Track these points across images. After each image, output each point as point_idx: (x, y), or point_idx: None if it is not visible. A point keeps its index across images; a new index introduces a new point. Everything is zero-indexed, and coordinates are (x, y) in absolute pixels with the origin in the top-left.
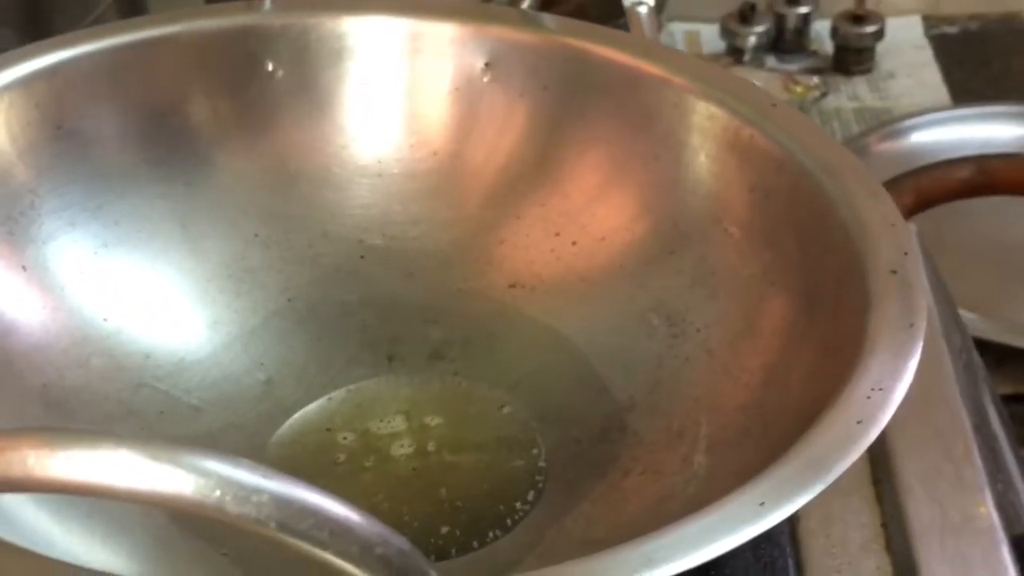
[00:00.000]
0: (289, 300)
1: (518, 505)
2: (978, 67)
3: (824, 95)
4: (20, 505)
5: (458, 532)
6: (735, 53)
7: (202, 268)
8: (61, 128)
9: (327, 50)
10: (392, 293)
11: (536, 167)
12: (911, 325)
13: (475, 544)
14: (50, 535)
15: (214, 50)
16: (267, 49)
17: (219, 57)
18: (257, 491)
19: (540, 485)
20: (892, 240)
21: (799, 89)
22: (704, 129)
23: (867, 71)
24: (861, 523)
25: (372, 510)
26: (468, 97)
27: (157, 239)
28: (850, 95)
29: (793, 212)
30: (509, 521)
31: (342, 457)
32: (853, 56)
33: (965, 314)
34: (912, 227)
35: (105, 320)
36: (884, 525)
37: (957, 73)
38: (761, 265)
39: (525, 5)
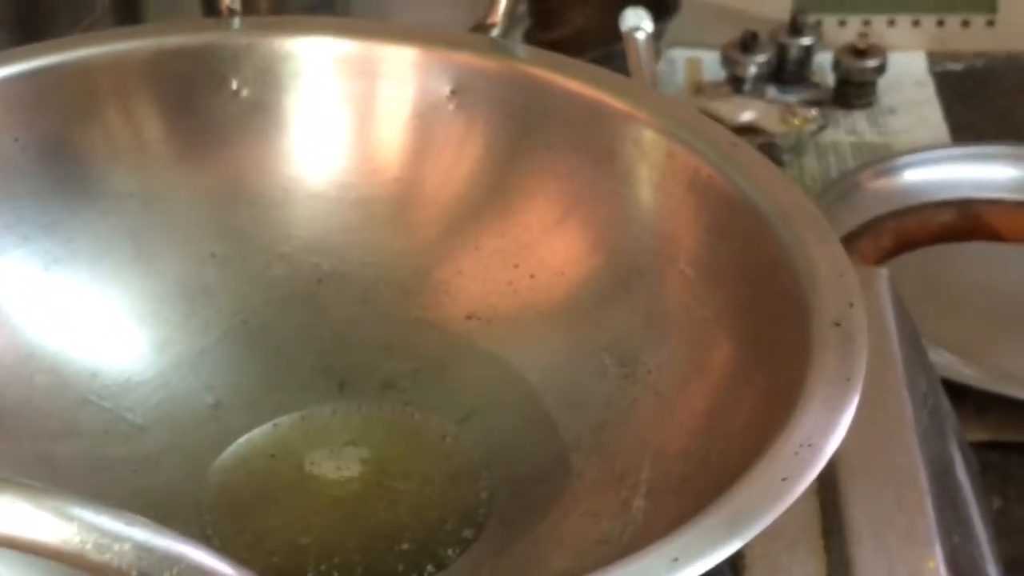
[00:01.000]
0: (243, 322)
1: (459, 538)
2: (981, 105)
3: (822, 128)
4: None
5: (398, 565)
6: (735, 82)
7: (155, 287)
8: (17, 140)
9: (291, 71)
10: (348, 319)
11: (497, 197)
12: (847, 379)
13: None
14: None
15: (178, 66)
16: (232, 67)
17: (182, 74)
18: (119, 539)
19: (481, 521)
20: (840, 291)
21: (797, 121)
22: (663, 167)
23: (868, 105)
24: (807, 574)
25: (312, 539)
26: (430, 124)
27: (110, 256)
28: (849, 129)
29: (746, 255)
30: (451, 552)
31: (284, 484)
32: (854, 90)
33: (946, 357)
34: (883, 272)
35: (52, 337)
36: None
37: (959, 111)
38: (714, 308)
39: (495, 32)
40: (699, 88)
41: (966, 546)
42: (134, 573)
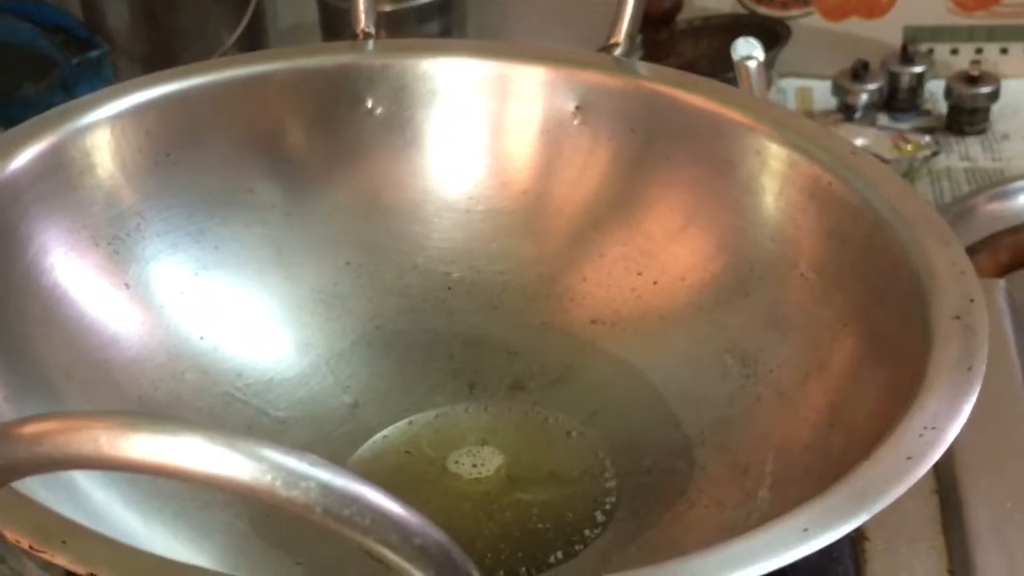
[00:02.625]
0: (377, 327)
1: (587, 532)
2: None
3: (935, 154)
4: (109, 505)
5: (525, 555)
6: (846, 110)
7: (295, 293)
8: (169, 155)
9: (423, 90)
10: (477, 324)
11: (620, 207)
12: (969, 368)
13: (543, 566)
14: (136, 534)
15: (317, 86)
16: (367, 87)
17: (320, 93)
18: (305, 478)
19: (609, 512)
20: (959, 287)
21: (909, 147)
22: (785, 175)
23: (981, 132)
24: (927, 570)
25: (453, 529)
26: (557, 139)
27: (254, 264)
28: (962, 155)
29: (867, 258)
30: (578, 546)
31: (419, 478)
32: (967, 116)
33: None
34: (1001, 283)
35: (201, 338)
36: (951, 572)
37: None
38: (833, 309)
39: (618, 52)
40: (810, 115)
41: None
42: (318, 509)
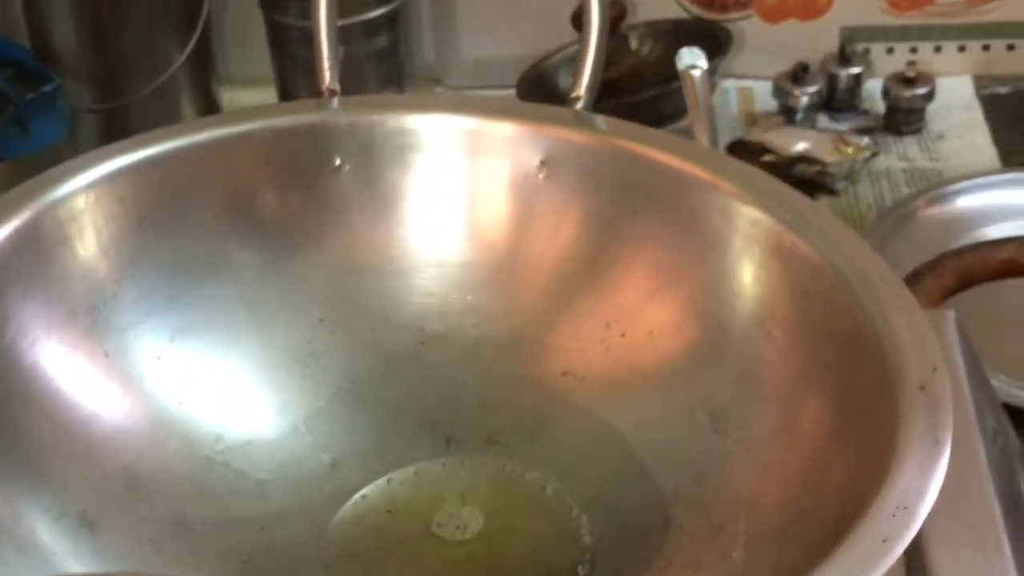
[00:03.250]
0: (352, 383)
1: None
2: None
3: (874, 155)
4: None
5: None
6: (787, 112)
7: (270, 353)
8: (143, 222)
9: (391, 146)
10: (450, 378)
11: (588, 261)
12: (936, 442)
13: None
14: None
15: (285, 146)
16: (335, 145)
17: (290, 153)
18: None
19: (588, 570)
20: (922, 354)
21: (850, 150)
22: (749, 234)
23: (918, 131)
24: None
25: None
26: (524, 193)
27: (229, 325)
28: (900, 155)
29: (830, 318)
30: None
31: (402, 539)
32: (904, 117)
33: (1010, 382)
34: (951, 314)
35: (180, 403)
36: None
37: (1007, 133)
38: (799, 366)
39: (579, 106)
40: (752, 119)
41: None
42: None
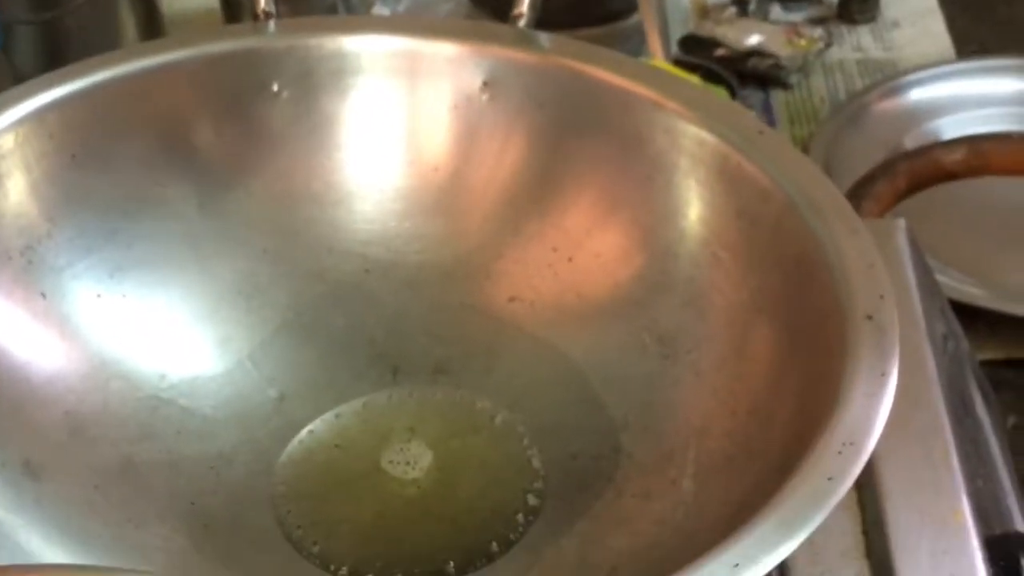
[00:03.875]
0: (297, 315)
1: (519, 518)
2: (983, 14)
3: (828, 47)
4: (49, 546)
5: (460, 551)
6: (740, 3)
7: (212, 286)
8: (75, 157)
9: (329, 70)
10: (396, 307)
11: (533, 183)
12: (883, 374)
13: (482, 558)
14: None
15: (221, 73)
16: (272, 71)
17: (226, 80)
18: None
19: (540, 497)
20: (870, 283)
21: (803, 42)
22: (694, 154)
23: (871, 20)
24: (842, 530)
25: (384, 524)
26: (467, 115)
27: (169, 261)
28: (854, 46)
29: (777, 242)
30: (511, 536)
31: (351, 476)
32: (857, 5)
33: (961, 279)
34: (901, 222)
35: (121, 343)
36: (865, 532)
37: (962, 21)
38: (748, 291)
39: (522, 23)
40: (704, 11)
41: (989, 486)
42: None
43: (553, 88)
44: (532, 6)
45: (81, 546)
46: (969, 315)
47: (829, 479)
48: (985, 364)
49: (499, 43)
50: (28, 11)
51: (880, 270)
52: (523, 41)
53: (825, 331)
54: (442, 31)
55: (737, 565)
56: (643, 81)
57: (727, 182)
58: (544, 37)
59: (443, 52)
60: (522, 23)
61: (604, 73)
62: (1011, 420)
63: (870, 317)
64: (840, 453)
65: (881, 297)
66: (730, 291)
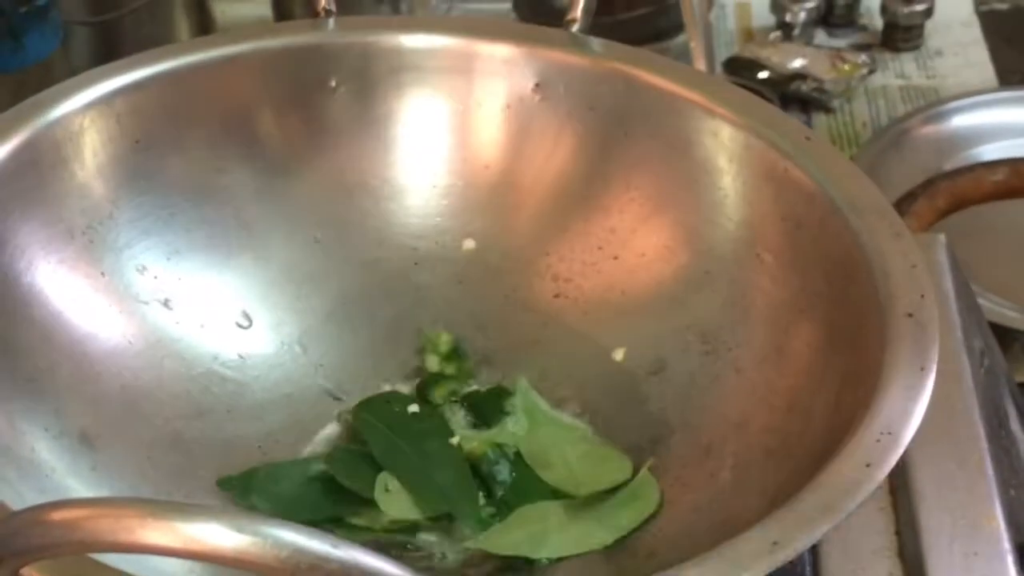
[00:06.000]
0: (346, 303)
1: None
2: None
3: (871, 72)
4: None
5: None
6: (785, 27)
7: (266, 272)
8: (139, 142)
9: (386, 68)
10: (443, 299)
11: (582, 184)
12: (922, 369)
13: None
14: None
15: (281, 67)
16: (330, 66)
17: (286, 74)
18: (327, 559)
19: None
20: (912, 282)
21: (847, 67)
22: (741, 158)
23: (915, 48)
24: (876, 530)
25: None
26: (519, 115)
27: (225, 245)
28: (897, 72)
29: (821, 245)
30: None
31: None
32: (902, 33)
33: (1000, 302)
34: (941, 238)
35: (177, 323)
36: (898, 532)
37: (1005, 51)
38: (790, 292)
39: (575, 28)
40: (749, 34)
41: (1021, 496)
42: None
43: (604, 91)
44: (586, 11)
45: None
46: (1007, 337)
47: (868, 466)
48: (1021, 385)
49: (552, 46)
50: (87, 13)
51: (922, 271)
52: (576, 45)
53: (865, 328)
54: (498, 32)
55: (776, 543)
56: (692, 86)
57: (773, 186)
58: (596, 42)
59: (498, 53)
60: (575, 28)
61: (654, 78)
62: None
63: (910, 315)
64: (879, 441)
65: (922, 296)
66: (773, 291)
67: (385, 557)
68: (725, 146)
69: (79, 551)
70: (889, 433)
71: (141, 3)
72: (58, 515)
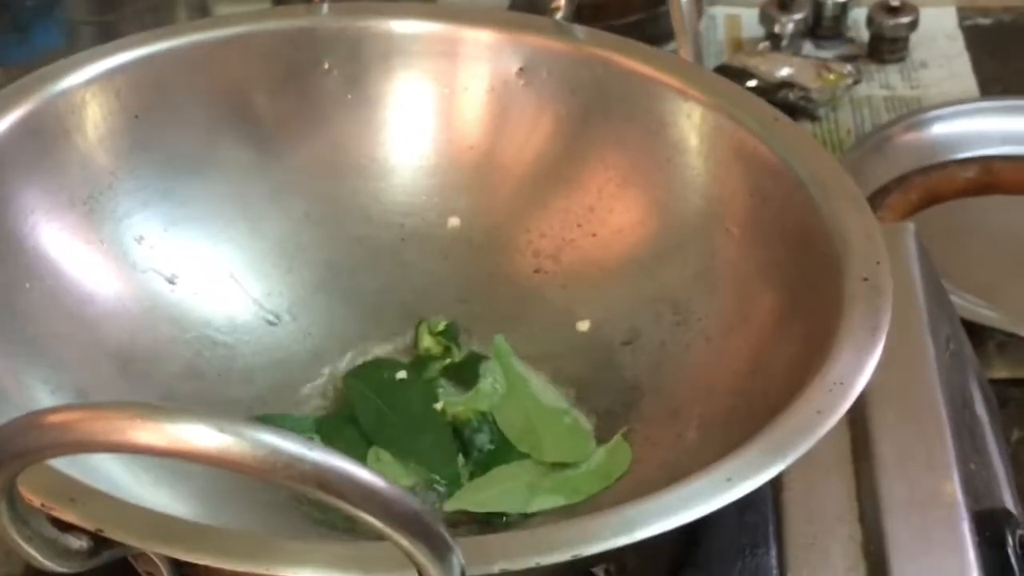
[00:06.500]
0: (335, 275)
1: None
2: (1009, 59)
3: (856, 82)
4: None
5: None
6: (773, 38)
7: (258, 244)
8: (138, 117)
9: (376, 52)
10: (428, 274)
11: (562, 164)
12: (874, 328)
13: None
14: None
15: (276, 49)
16: (324, 49)
17: (281, 56)
18: (302, 460)
19: None
20: (868, 250)
21: (832, 77)
22: (712, 138)
23: (900, 60)
24: (838, 495)
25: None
26: (502, 98)
27: (219, 218)
28: (882, 83)
29: (786, 217)
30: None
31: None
32: (887, 45)
33: (972, 300)
34: (910, 226)
35: (172, 291)
36: (859, 499)
37: (988, 64)
38: (756, 263)
39: (559, 15)
40: (738, 45)
41: (981, 472)
42: (313, 485)
43: (585, 74)
44: (569, 0)
45: (125, 465)
46: (982, 335)
47: (818, 412)
48: (993, 382)
49: (536, 32)
50: (91, 12)
51: (878, 240)
52: (559, 31)
53: (825, 293)
54: (483, 19)
55: (729, 479)
56: (669, 71)
57: (742, 164)
58: (578, 29)
59: (483, 38)
60: (559, 15)
61: (632, 63)
62: (1016, 434)
63: (866, 279)
64: (830, 392)
65: (877, 263)
66: (740, 263)
67: (354, 461)
68: (697, 126)
69: (73, 452)
70: (840, 384)
71: (143, 4)
72: (54, 418)
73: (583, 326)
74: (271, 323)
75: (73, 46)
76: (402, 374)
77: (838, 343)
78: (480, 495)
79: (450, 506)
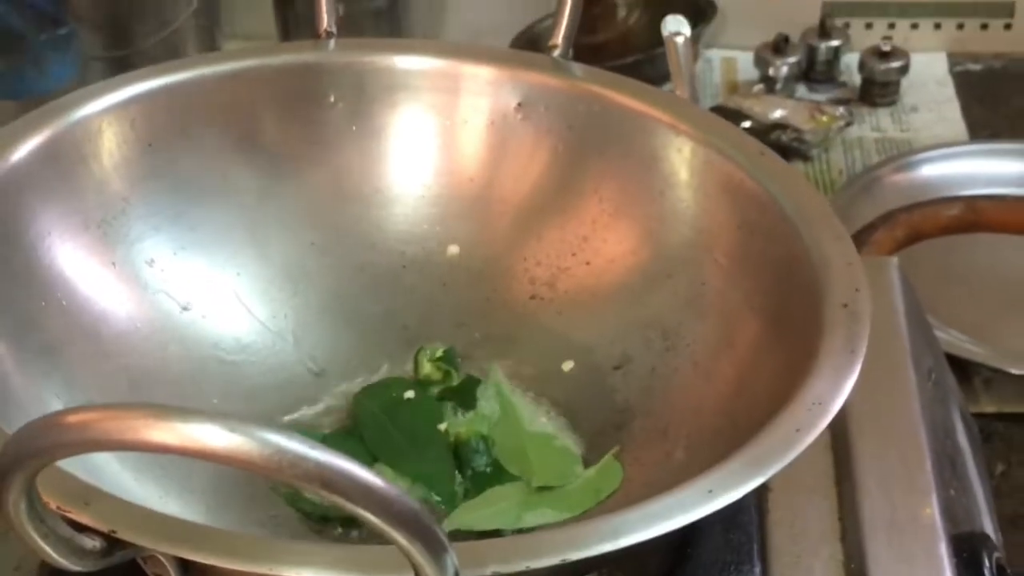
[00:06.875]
0: (339, 301)
1: None
2: (997, 104)
3: (848, 124)
4: (107, 463)
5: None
6: (767, 81)
7: (265, 270)
8: (152, 145)
9: (380, 86)
10: (428, 299)
11: (558, 195)
12: (852, 351)
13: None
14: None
15: (284, 82)
16: (330, 83)
17: (288, 89)
18: (306, 459)
19: None
20: (848, 278)
21: (824, 118)
22: (702, 171)
23: (891, 103)
24: (821, 516)
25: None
26: (502, 132)
27: (228, 243)
28: (873, 126)
29: (771, 248)
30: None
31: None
32: (879, 89)
33: (957, 337)
34: (893, 260)
35: (181, 312)
36: (841, 519)
37: (977, 109)
38: (742, 291)
39: (556, 54)
40: (734, 87)
41: (961, 498)
42: (317, 484)
43: (581, 110)
44: (566, 38)
45: (135, 475)
46: (967, 370)
47: (797, 430)
48: (980, 416)
49: (535, 69)
50: (104, 48)
51: (858, 269)
52: (556, 68)
53: (805, 318)
54: (484, 56)
55: (711, 491)
56: (661, 107)
57: (730, 196)
58: (575, 66)
59: (483, 74)
60: (556, 53)
61: (627, 99)
62: (1000, 467)
63: (845, 305)
64: (809, 411)
65: (857, 290)
66: (727, 291)
67: (356, 462)
68: (688, 161)
69: (90, 450)
70: (819, 404)
71: (155, 41)
72: (72, 418)
73: (566, 366)
74: (275, 345)
75: (87, 81)
76: (410, 393)
77: (817, 365)
78: (475, 514)
79: (447, 527)
